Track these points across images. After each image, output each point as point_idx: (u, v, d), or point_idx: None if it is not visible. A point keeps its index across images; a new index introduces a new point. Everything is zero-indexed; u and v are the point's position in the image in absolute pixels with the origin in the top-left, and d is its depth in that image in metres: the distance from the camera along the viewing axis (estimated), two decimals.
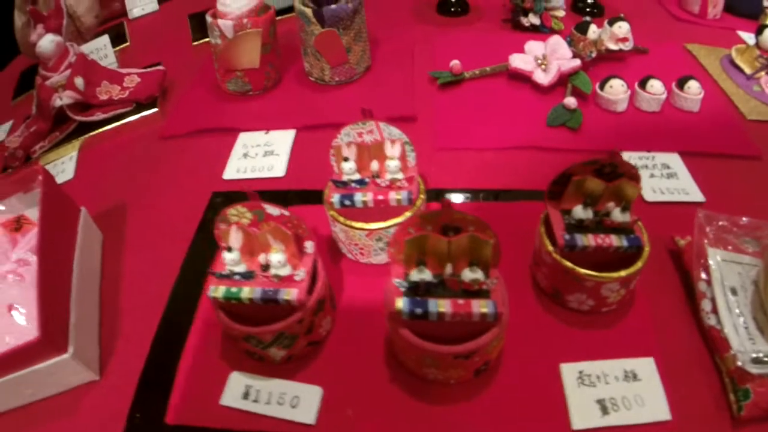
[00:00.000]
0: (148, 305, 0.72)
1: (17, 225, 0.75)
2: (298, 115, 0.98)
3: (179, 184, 0.90)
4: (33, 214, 0.76)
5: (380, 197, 0.64)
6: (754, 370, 0.56)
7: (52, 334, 0.62)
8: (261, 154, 0.91)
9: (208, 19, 0.98)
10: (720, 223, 0.68)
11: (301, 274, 0.57)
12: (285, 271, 0.57)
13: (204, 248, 0.77)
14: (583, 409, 0.56)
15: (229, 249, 0.57)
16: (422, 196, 0.67)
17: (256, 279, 0.58)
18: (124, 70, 1.10)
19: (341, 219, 0.66)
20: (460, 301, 0.53)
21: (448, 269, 0.54)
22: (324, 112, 0.97)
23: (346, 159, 0.64)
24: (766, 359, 0.57)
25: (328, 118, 0.95)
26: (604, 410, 0.56)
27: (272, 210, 0.57)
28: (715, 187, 0.80)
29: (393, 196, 0.64)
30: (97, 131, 1.03)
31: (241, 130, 0.97)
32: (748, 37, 1.13)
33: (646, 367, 0.59)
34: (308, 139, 0.94)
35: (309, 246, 0.59)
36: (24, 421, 0.64)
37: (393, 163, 0.63)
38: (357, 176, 0.65)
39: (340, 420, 0.57)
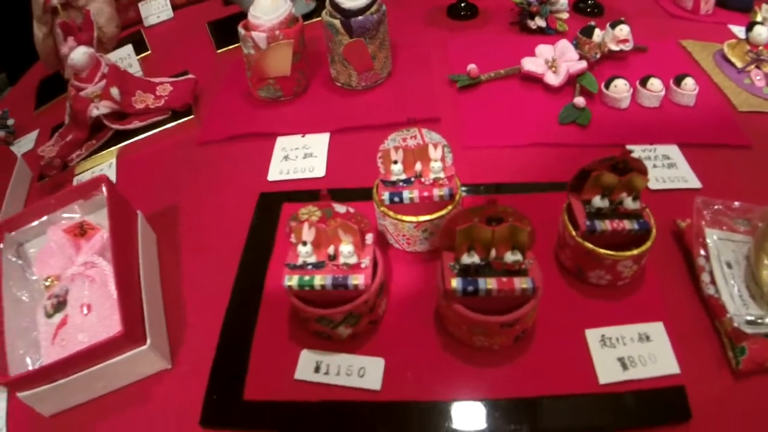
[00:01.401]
0: (210, 299, 0.81)
1: (81, 230, 0.82)
2: (329, 118, 1.08)
3: (224, 187, 0.99)
4: (94, 219, 0.84)
5: (425, 194, 0.77)
6: (748, 330, 0.68)
7: (133, 328, 0.70)
8: (300, 156, 1.01)
9: (241, 31, 1.07)
10: (716, 207, 0.79)
11: (366, 261, 0.70)
12: (353, 260, 0.69)
13: (259, 244, 0.88)
14: (607, 366, 0.68)
15: (304, 243, 0.70)
16: (460, 191, 0.80)
17: (326, 268, 0.70)
18: (155, 79, 1.19)
19: (391, 213, 0.78)
20: (504, 279, 0.66)
21: (493, 253, 0.66)
22: (354, 116, 1.08)
23: (395, 162, 0.77)
24: (758, 321, 0.68)
25: (358, 121, 1.06)
26: (624, 367, 0.68)
27: (339, 208, 0.69)
28: (711, 175, 0.91)
29: (437, 192, 0.76)
30: (133, 139, 1.11)
31: (277, 134, 1.07)
32: (739, 31, 1.25)
33: (656, 330, 0.71)
34: (342, 141, 1.04)
35: (369, 238, 0.72)
36: (98, 414, 0.72)
37: (437, 165, 0.76)
38: (404, 176, 0.78)
39: (401, 384, 0.69)
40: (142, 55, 1.41)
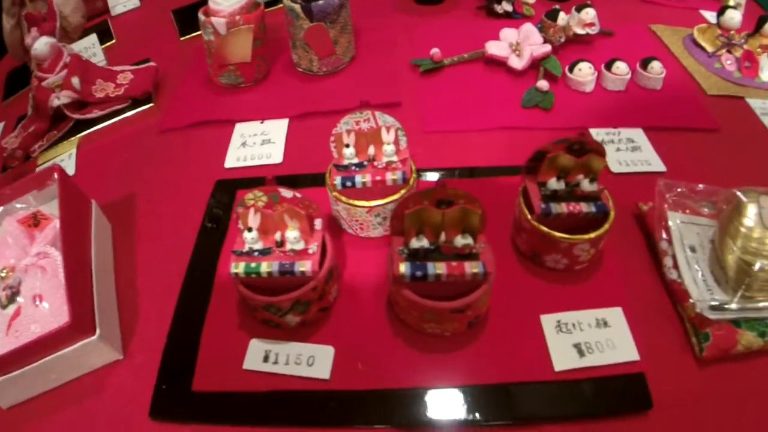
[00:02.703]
0: (163, 288, 0.80)
1: (35, 221, 0.81)
2: (289, 104, 1.06)
3: (181, 175, 0.97)
4: (48, 209, 0.83)
5: (378, 178, 0.74)
6: (712, 316, 0.66)
7: (81, 319, 0.69)
8: (258, 143, 0.99)
9: (201, 17, 1.05)
10: (679, 189, 0.78)
11: (314, 247, 0.67)
12: (299, 246, 0.67)
13: (213, 232, 0.85)
14: (563, 353, 0.66)
15: (249, 229, 0.67)
16: (414, 175, 0.77)
17: (272, 254, 0.67)
18: (116, 68, 1.16)
19: (343, 198, 0.76)
20: (454, 264, 0.63)
21: (442, 237, 0.64)
22: (314, 101, 1.05)
23: (347, 145, 0.74)
24: (723, 306, 0.67)
25: (318, 107, 1.03)
26: (581, 353, 0.66)
27: (286, 193, 0.66)
28: (676, 158, 0.90)
29: (389, 176, 0.74)
30: (94, 128, 1.08)
31: (236, 120, 1.05)
32: (710, 16, 1.23)
33: (615, 315, 0.69)
34: (301, 127, 1.02)
35: (318, 223, 0.69)
36: (52, 405, 0.70)
37: (389, 148, 0.73)
38: (356, 160, 0.75)
39: (351, 373, 0.67)
40: (107, 44, 1.37)
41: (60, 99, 1.08)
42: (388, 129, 0.74)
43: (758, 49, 1.09)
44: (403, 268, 0.63)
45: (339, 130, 0.75)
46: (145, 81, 1.14)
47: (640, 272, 0.76)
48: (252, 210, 0.67)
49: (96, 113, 1.10)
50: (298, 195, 0.67)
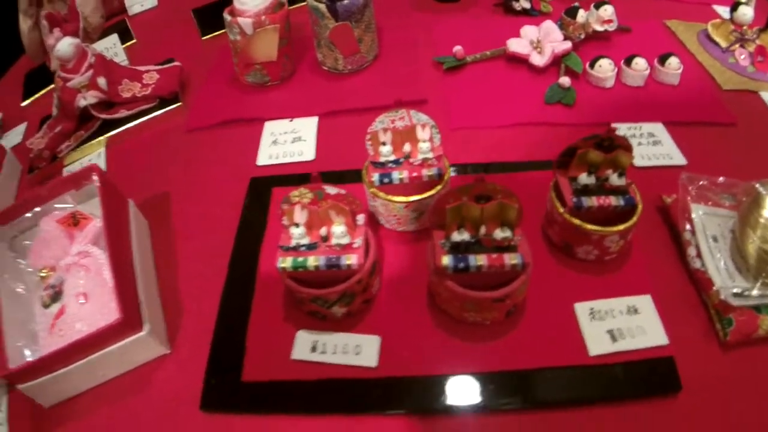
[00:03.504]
0: (205, 284, 0.83)
1: (74, 220, 0.84)
2: (317, 102, 1.10)
3: (213, 173, 1.01)
4: (86, 208, 0.85)
5: (414, 174, 0.78)
6: (735, 302, 0.70)
7: (130, 315, 0.71)
8: (289, 141, 1.03)
9: (227, 17, 1.08)
10: (701, 182, 0.82)
11: (358, 242, 0.72)
12: (345, 241, 0.71)
13: (251, 228, 0.89)
14: (597, 338, 0.71)
15: (296, 225, 0.71)
16: (449, 170, 0.82)
17: (318, 249, 0.72)
18: (141, 68, 1.19)
19: (381, 194, 0.80)
20: (494, 255, 0.68)
21: (482, 230, 0.68)
22: (341, 99, 1.10)
23: (383, 143, 0.78)
24: (744, 293, 0.71)
25: (347, 105, 1.08)
26: (614, 339, 0.71)
27: (330, 189, 0.71)
28: (696, 152, 0.94)
29: (425, 172, 0.78)
30: (121, 128, 1.12)
31: (265, 119, 1.08)
32: (723, 11, 1.27)
33: (644, 302, 0.74)
34: (331, 125, 1.06)
35: (361, 218, 0.73)
36: (95, 402, 0.73)
37: (425, 145, 0.77)
38: (393, 157, 0.79)
39: (396, 361, 0.71)
40: (128, 44, 1.40)
41: (87, 99, 1.10)
42: (423, 127, 0.78)
43: None
44: (446, 260, 0.68)
45: (375, 128, 0.79)
46: (172, 80, 1.18)
47: (665, 262, 0.80)
48: (298, 206, 0.71)
49: (123, 113, 1.13)
50: (342, 192, 0.71)
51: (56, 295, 0.78)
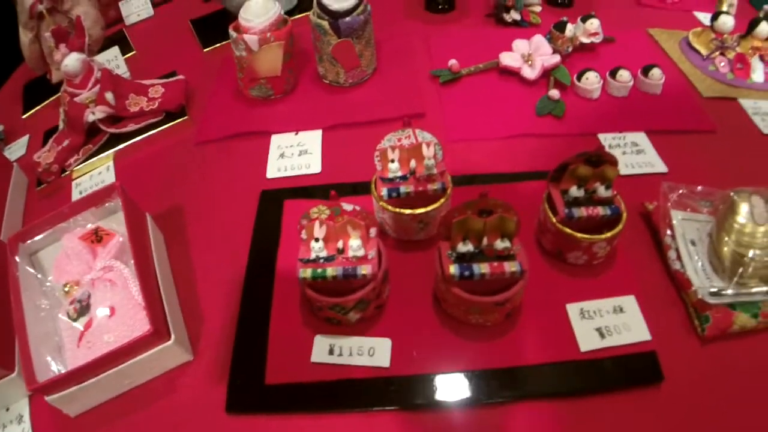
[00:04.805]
0: (224, 293, 0.89)
1: (97, 236, 0.89)
2: (320, 115, 1.17)
3: (224, 186, 1.07)
4: (107, 224, 0.91)
5: (420, 188, 0.87)
6: (711, 300, 0.78)
7: (159, 325, 0.76)
8: (296, 154, 1.10)
9: (232, 33, 1.15)
10: (680, 191, 0.90)
11: (372, 253, 0.81)
12: (361, 253, 0.80)
13: (265, 240, 0.97)
14: (587, 336, 0.80)
15: (317, 239, 0.81)
16: (450, 184, 0.91)
17: (336, 260, 0.81)
18: (146, 82, 1.26)
19: (390, 207, 0.89)
20: (495, 264, 0.77)
21: (485, 242, 0.78)
22: (345, 112, 1.17)
23: (392, 161, 0.88)
24: (720, 292, 0.79)
25: (350, 118, 1.15)
26: (602, 336, 0.80)
27: (347, 206, 0.80)
28: (677, 160, 1.02)
29: (431, 187, 0.87)
30: (129, 142, 1.17)
31: (271, 132, 1.14)
32: (704, 17, 1.35)
33: (629, 302, 0.83)
34: (335, 138, 1.12)
35: (373, 232, 0.82)
36: (123, 409, 0.78)
37: (430, 162, 0.86)
38: (400, 173, 0.88)
39: (407, 360, 0.80)
40: (127, 55, 1.45)
41: (95, 114, 1.16)
42: (428, 145, 0.87)
43: (750, 51, 1.20)
44: (453, 269, 0.78)
45: (383, 146, 0.88)
46: (177, 94, 1.24)
47: (648, 264, 0.89)
48: (317, 222, 0.81)
49: (132, 127, 1.19)
50: (357, 208, 0.80)
51: (83, 309, 0.83)
